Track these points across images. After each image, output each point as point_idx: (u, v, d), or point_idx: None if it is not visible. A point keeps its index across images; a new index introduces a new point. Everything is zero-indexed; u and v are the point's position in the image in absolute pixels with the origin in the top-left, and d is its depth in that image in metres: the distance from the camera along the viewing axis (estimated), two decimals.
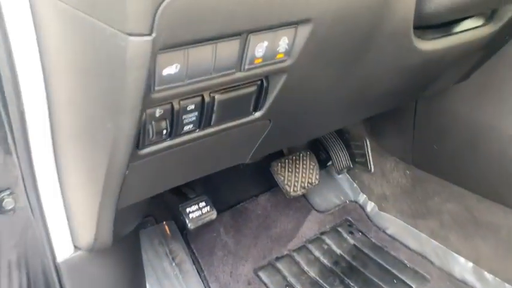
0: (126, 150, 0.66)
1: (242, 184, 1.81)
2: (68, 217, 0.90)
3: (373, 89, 0.99)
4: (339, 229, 1.77)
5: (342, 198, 1.91)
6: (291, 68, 0.73)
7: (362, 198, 1.88)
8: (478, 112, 1.39)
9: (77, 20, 0.56)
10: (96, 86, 0.60)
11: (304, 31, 0.68)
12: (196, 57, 0.59)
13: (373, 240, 1.73)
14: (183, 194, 1.22)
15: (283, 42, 0.68)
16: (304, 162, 1.73)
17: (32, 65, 0.65)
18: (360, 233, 1.76)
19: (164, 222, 1.51)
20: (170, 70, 0.58)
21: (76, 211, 0.88)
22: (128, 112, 0.59)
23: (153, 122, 0.66)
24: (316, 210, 1.83)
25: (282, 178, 1.67)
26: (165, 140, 0.71)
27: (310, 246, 1.68)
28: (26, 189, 0.85)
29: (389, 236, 1.74)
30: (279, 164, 1.68)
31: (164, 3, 0.49)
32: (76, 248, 0.98)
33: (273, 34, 0.65)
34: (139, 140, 0.67)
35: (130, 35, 0.50)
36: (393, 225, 1.76)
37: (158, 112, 0.66)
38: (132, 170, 0.72)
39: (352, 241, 1.72)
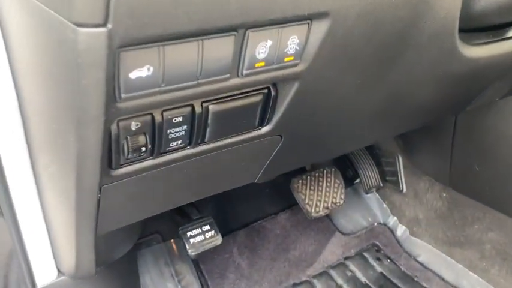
0: (93, 169, 0.54)
1: (260, 201, 1.69)
2: (51, 239, 0.80)
3: (406, 101, 0.84)
4: (365, 254, 1.63)
5: (370, 219, 1.78)
6: (304, 74, 0.59)
7: (392, 220, 1.74)
8: None
9: (30, 8, 0.44)
10: (55, 91, 0.48)
11: (319, 28, 0.54)
12: (176, 57, 0.46)
13: (403, 269, 1.58)
14: (185, 213, 1.09)
15: (292, 42, 0.54)
16: (328, 179, 1.58)
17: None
18: (388, 260, 1.62)
19: (172, 240, 1.39)
20: (140, 73, 0.45)
21: (56, 234, 0.78)
22: (89, 123, 0.47)
23: (128, 137, 0.54)
24: (340, 232, 1.70)
25: (303, 197, 1.53)
26: (146, 158, 0.59)
27: (332, 272, 1.55)
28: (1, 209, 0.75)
29: (421, 264, 1.60)
30: (300, 181, 1.54)
31: None
32: (60, 272, 0.88)
33: (278, 31, 0.52)
34: (112, 158, 0.55)
35: (79, 25, 0.38)
36: (426, 252, 1.62)
37: (134, 125, 0.53)
38: (106, 192, 0.60)
39: (379, 268, 1.58)
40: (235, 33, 0.48)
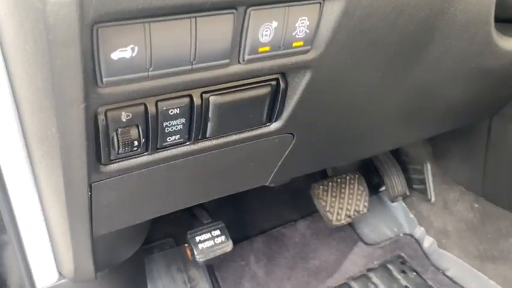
0: (79, 163, 0.49)
1: (279, 207, 1.64)
2: (51, 240, 0.77)
3: (434, 99, 0.77)
4: (389, 266, 1.56)
5: (395, 230, 1.70)
6: (316, 62, 0.53)
7: (419, 231, 1.66)
8: None
9: None
10: (33, 74, 0.44)
11: (333, 9, 0.48)
12: (164, 36, 0.40)
13: (430, 283, 1.50)
14: (195, 216, 1.04)
15: (301, 25, 0.48)
16: (352, 186, 1.52)
17: None
18: (414, 273, 1.54)
19: (185, 245, 1.34)
20: (123, 53, 0.40)
21: (54, 235, 0.74)
22: (69, 110, 0.42)
23: (118, 129, 0.48)
24: (363, 242, 1.63)
25: (324, 204, 1.46)
26: (140, 154, 0.53)
27: (354, 284, 1.48)
28: None
29: (450, 279, 1.53)
30: (321, 187, 1.48)
31: None
32: (61, 275, 0.84)
33: (285, 11, 0.46)
34: (101, 151, 0.50)
35: None
36: (455, 266, 1.55)
37: (125, 115, 0.48)
38: (98, 190, 0.55)
39: (404, 282, 1.51)
40: (235, 11, 0.43)
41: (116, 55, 0.39)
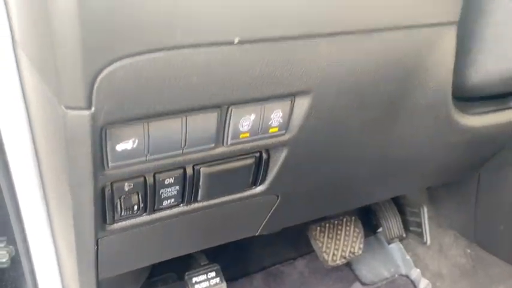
0: (88, 225, 0.58)
1: (278, 245, 1.68)
2: (62, 281, 0.86)
3: (410, 163, 0.84)
4: None
5: (392, 270, 1.71)
6: (291, 141, 0.62)
7: (415, 273, 1.67)
8: None
9: (39, 88, 0.51)
10: (51, 154, 0.54)
11: (303, 103, 0.57)
12: (160, 131, 0.50)
13: None
14: (193, 258, 1.12)
15: (276, 116, 0.57)
16: (348, 228, 1.57)
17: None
18: None
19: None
20: (126, 145, 0.50)
21: (66, 275, 0.83)
22: (81, 187, 0.52)
23: (121, 197, 0.58)
24: (360, 282, 1.65)
25: (320, 245, 1.52)
26: (139, 215, 0.63)
27: None
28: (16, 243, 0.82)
29: None
30: (318, 228, 1.54)
31: (103, 74, 0.41)
32: None
33: (261, 107, 0.55)
34: (106, 214, 0.59)
35: (67, 107, 0.43)
36: None
37: (127, 185, 0.57)
38: (103, 244, 0.64)
39: None
40: (218, 109, 0.53)
41: (120, 147, 0.49)
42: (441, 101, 0.68)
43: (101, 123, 0.45)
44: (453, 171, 1.02)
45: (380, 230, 1.75)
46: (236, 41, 0.45)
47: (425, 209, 1.67)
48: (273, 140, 0.61)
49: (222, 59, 0.46)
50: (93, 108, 0.43)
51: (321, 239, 1.53)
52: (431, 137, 0.74)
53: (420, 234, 1.69)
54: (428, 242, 1.66)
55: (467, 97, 0.73)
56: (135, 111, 0.46)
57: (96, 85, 0.42)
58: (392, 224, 1.70)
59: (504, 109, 0.79)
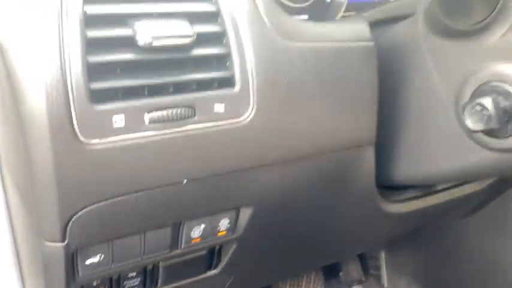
0: None
1: None
2: None
3: (343, 237, 0.96)
4: None
5: None
6: (239, 238, 0.73)
7: None
8: (489, 244, 1.30)
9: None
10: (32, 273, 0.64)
11: (246, 212, 0.69)
12: (122, 246, 0.61)
13: None
14: None
15: (224, 223, 0.68)
16: (308, 274, 1.67)
17: None
18: None
19: None
20: (94, 260, 0.60)
21: None
22: None
23: None
24: None
25: None
26: None
27: None
28: None
29: None
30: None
31: (76, 216, 0.52)
32: None
33: (210, 218, 0.66)
34: None
35: (46, 239, 0.54)
36: None
37: (95, 282, 0.67)
38: None
39: None
40: (172, 225, 0.63)
41: (88, 261, 0.60)
42: (367, 197, 0.80)
43: (73, 249, 0.55)
44: (381, 239, 1.13)
45: (341, 274, 1.85)
46: (185, 181, 0.56)
47: (383, 254, 1.75)
48: (222, 239, 0.71)
49: (175, 193, 0.57)
50: (66, 241, 0.54)
51: (282, 286, 1.62)
52: (360, 222, 0.86)
53: (378, 278, 1.78)
54: (385, 285, 1.74)
55: (389, 185, 0.85)
56: (101, 238, 0.56)
57: (70, 224, 0.52)
58: (352, 268, 1.80)
59: (428, 194, 0.91)
